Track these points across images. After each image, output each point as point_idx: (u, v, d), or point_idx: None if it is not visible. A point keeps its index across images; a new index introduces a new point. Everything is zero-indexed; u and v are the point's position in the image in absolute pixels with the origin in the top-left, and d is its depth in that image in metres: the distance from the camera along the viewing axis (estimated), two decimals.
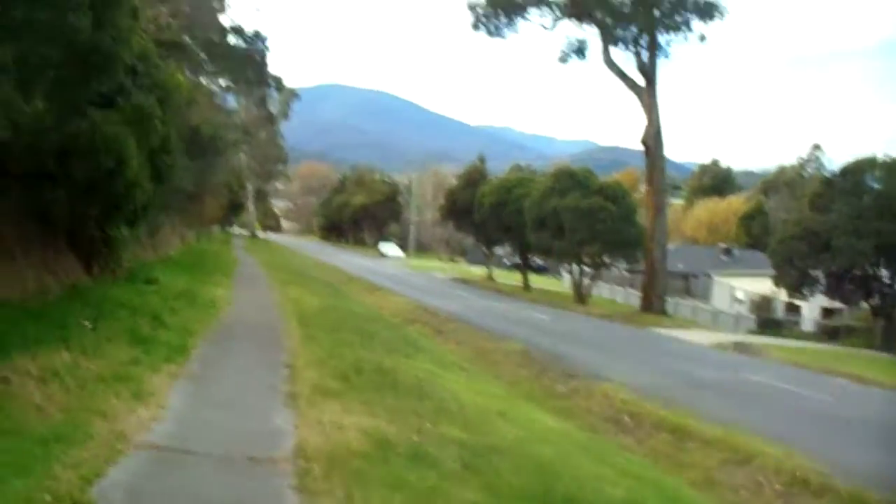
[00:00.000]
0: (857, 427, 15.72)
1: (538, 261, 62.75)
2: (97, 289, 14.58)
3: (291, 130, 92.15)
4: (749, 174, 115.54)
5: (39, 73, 8.71)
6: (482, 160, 60.51)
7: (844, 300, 38.85)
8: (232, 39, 36.45)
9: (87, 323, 10.67)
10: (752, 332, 39.01)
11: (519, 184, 50.07)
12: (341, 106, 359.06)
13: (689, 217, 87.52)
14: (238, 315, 17.44)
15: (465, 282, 54.30)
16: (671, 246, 51.52)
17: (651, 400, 16.13)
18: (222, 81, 42.26)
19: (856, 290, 36.89)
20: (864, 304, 38.34)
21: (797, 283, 38.16)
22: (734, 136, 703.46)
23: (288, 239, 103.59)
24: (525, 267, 54.48)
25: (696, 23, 42.99)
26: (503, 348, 22.80)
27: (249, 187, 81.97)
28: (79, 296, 13.05)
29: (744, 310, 47.49)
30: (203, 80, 37.71)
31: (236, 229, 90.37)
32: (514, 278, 57.70)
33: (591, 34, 46.93)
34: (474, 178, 57.25)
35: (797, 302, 42.67)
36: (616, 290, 54.62)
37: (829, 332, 40.72)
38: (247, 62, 37.92)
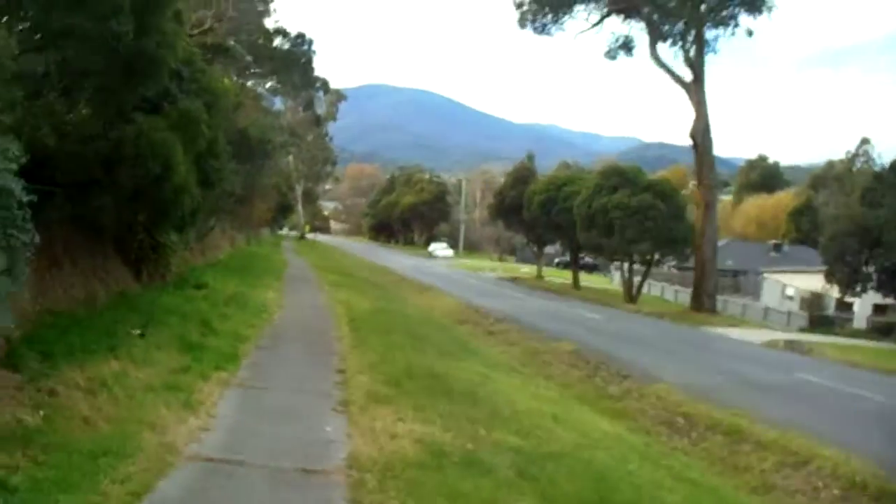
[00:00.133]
0: None
1: (588, 259, 61.97)
2: (146, 295, 14.61)
3: (338, 131, 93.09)
4: (796, 169, 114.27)
5: (83, 79, 8.65)
6: (530, 158, 59.71)
7: None
8: (277, 42, 36.83)
9: (135, 331, 10.62)
10: (803, 329, 37.95)
11: (568, 181, 49.52)
12: (387, 106, 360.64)
13: (738, 213, 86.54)
14: (289, 319, 17.39)
15: (514, 281, 54.11)
16: (720, 242, 50.52)
17: (704, 401, 16.09)
18: (269, 84, 42.77)
19: None
20: None
21: (848, 280, 37.21)
22: (781, 131, 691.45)
23: (337, 240, 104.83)
24: (575, 265, 53.83)
25: (743, 17, 42.34)
26: (554, 349, 22.64)
27: (298, 189, 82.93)
28: (127, 303, 13.04)
29: (794, 307, 46.20)
30: (249, 84, 38.15)
31: (286, 231, 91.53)
32: (564, 276, 57.22)
33: (637, 30, 46.26)
34: (523, 176, 56.62)
35: (848, 298, 41.35)
36: (665, 288, 53.72)
37: (882, 329, 39.30)
38: (292, 64, 38.30)
